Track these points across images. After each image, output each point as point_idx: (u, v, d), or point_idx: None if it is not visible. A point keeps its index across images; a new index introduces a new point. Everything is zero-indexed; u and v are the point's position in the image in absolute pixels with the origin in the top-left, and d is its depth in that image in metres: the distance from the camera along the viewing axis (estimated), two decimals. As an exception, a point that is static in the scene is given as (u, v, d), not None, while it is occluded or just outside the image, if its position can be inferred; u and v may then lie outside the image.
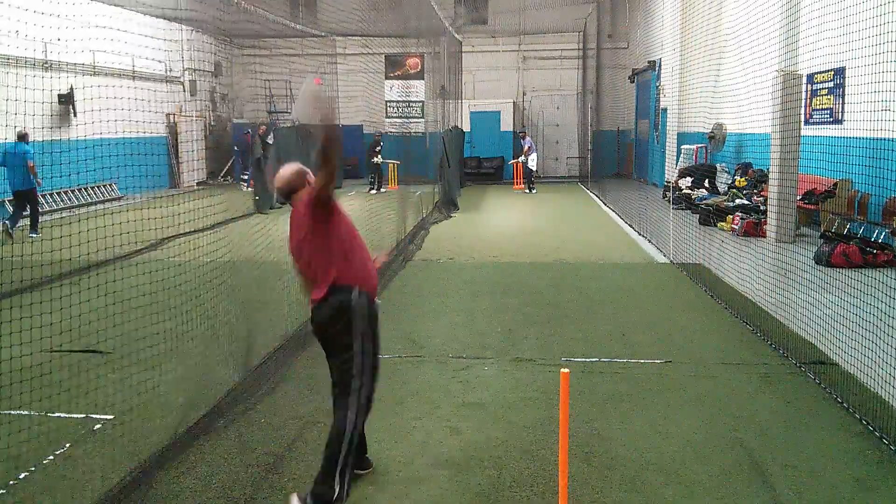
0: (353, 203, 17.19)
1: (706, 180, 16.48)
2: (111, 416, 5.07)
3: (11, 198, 13.68)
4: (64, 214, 15.98)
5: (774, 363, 6.18)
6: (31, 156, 13.14)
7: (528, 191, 21.95)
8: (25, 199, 13.36)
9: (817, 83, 12.93)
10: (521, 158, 22.26)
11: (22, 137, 13.27)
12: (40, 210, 14.14)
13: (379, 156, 21.58)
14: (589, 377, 5.92)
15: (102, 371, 5.97)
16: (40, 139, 14.72)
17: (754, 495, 4.04)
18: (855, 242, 10.07)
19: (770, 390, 5.58)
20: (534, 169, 22.28)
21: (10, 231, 13.07)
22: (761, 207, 13.13)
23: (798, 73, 11.89)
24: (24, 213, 13.57)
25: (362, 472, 4.25)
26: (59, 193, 17.33)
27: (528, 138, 22.29)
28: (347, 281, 3.83)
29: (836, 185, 11.60)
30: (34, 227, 13.46)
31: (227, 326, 6.72)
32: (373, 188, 21.47)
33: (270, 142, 17.92)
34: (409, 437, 4.84)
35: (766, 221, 12.40)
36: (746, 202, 14.07)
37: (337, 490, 3.71)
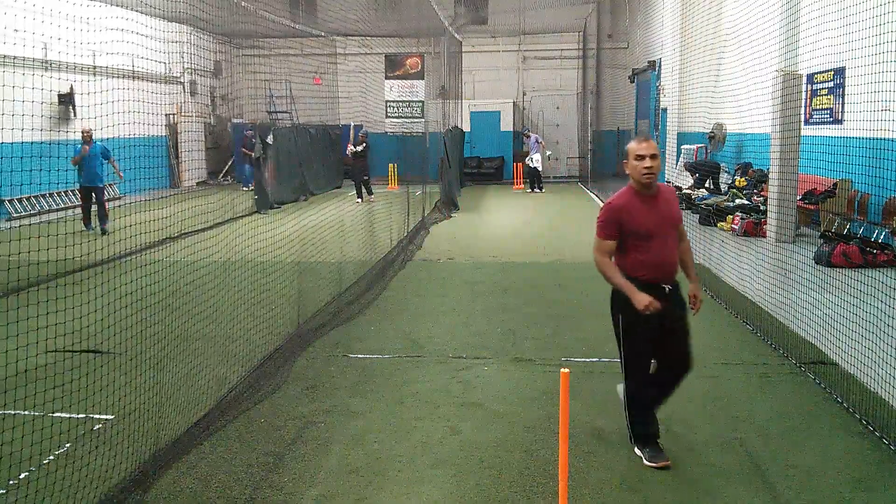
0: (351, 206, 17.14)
1: (708, 179, 16.46)
2: (111, 416, 5.07)
3: (79, 192, 14.51)
4: (64, 215, 15.97)
5: (774, 363, 6.17)
6: (109, 151, 13.88)
7: (530, 190, 21.76)
8: (92, 194, 14.09)
9: (817, 83, 12.92)
10: (529, 157, 21.95)
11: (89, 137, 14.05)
12: (107, 204, 14.83)
13: (354, 147, 18.73)
14: (589, 377, 5.92)
15: (103, 371, 5.95)
16: (40, 139, 14.75)
17: (754, 495, 4.04)
18: (855, 242, 10.07)
19: (770, 390, 5.58)
20: (538, 168, 21.94)
21: (89, 229, 13.87)
22: (761, 207, 13.12)
23: (798, 73, 11.89)
24: (90, 208, 14.33)
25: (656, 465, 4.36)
26: (58, 194, 17.32)
27: (532, 137, 22.16)
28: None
29: (835, 185, 11.59)
30: (104, 221, 14.21)
31: (228, 326, 6.72)
32: (360, 196, 18.76)
33: (270, 142, 17.92)
34: (409, 437, 4.84)
35: (766, 221, 12.39)
36: (746, 202, 14.06)
37: (638, 451, 4.44)
